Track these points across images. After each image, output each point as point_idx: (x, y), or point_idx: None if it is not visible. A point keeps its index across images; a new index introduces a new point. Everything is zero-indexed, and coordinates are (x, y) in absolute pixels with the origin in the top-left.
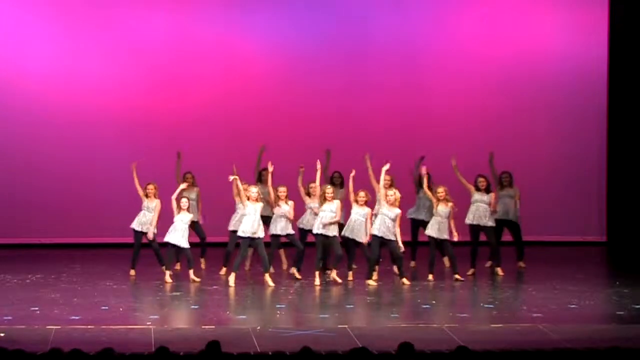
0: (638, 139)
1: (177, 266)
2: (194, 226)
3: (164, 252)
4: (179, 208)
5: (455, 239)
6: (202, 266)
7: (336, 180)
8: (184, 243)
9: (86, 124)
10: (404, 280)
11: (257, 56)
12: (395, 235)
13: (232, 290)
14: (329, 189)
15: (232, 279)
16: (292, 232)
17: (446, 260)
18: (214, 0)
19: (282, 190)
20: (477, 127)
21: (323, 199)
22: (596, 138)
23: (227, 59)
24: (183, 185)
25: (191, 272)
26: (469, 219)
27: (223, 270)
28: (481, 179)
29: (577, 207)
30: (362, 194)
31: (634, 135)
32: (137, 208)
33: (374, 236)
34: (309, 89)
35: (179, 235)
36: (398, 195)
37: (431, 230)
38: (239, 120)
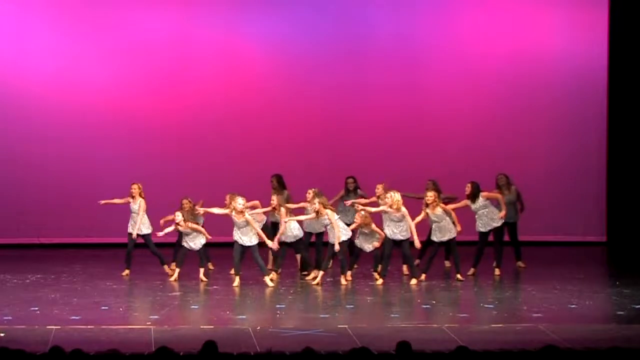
0: (638, 138)
1: (210, 265)
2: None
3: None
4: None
5: (458, 229)
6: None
7: (350, 186)
8: (195, 246)
9: (86, 124)
10: (413, 280)
11: (257, 56)
12: (409, 231)
13: (231, 290)
14: (316, 201)
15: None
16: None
17: (446, 261)
18: (215, 1)
19: (274, 199)
20: (476, 126)
21: (317, 214)
22: (596, 138)
23: (227, 59)
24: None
25: (201, 270)
26: (480, 227)
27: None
28: (467, 185)
29: (577, 207)
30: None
31: (634, 135)
32: None
33: (386, 237)
34: (309, 89)
35: (188, 241)
36: (396, 197)
37: (434, 236)
38: (239, 120)
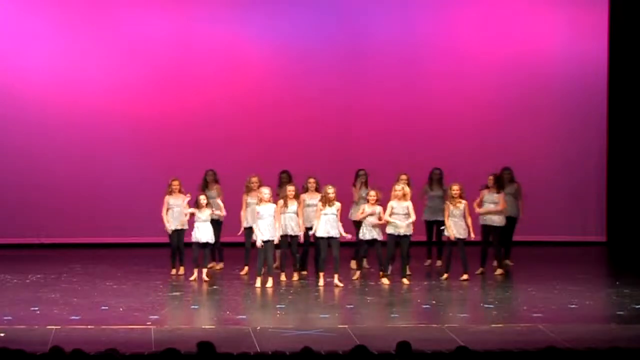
0: (638, 139)
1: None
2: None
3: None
4: (200, 206)
5: (472, 237)
6: (219, 267)
7: (362, 179)
8: (208, 239)
9: (87, 124)
10: (405, 280)
11: (259, 56)
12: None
13: (232, 290)
14: (330, 189)
15: (258, 281)
16: (297, 233)
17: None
18: (216, 1)
19: (291, 189)
20: (477, 127)
21: (326, 200)
22: (596, 138)
23: (227, 59)
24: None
25: (204, 270)
26: (482, 220)
27: (244, 270)
28: (490, 178)
29: (577, 207)
30: (372, 193)
31: (634, 135)
32: (137, 208)
33: (389, 235)
34: (310, 89)
35: (202, 232)
36: (407, 189)
37: (447, 231)
38: (239, 121)
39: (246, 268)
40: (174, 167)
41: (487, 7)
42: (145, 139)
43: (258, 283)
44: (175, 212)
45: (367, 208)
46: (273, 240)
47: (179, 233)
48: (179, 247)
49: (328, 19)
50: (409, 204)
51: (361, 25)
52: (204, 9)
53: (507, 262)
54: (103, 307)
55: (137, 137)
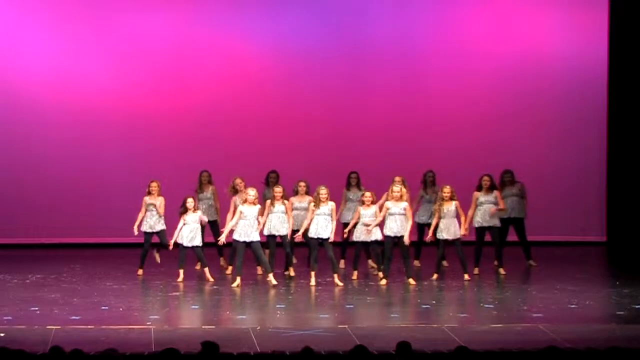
0: (638, 138)
1: (198, 266)
2: (211, 225)
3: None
4: (187, 209)
5: (465, 233)
6: (223, 263)
7: (352, 181)
8: (187, 242)
9: (87, 124)
10: (410, 280)
11: (257, 56)
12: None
13: (232, 290)
14: (323, 190)
15: (237, 282)
16: (285, 233)
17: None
18: (214, 1)
19: (278, 191)
20: (477, 126)
21: (318, 200)
22: (596, 138)
23: (226, 60)
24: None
25: (206, 270)
26: (477, 222)
27: (229, 270)
28: (485, 178)
29: (577, 207)
30: (367, 194)
31: (634, 135)
32: (138, 208)
33: (386, 236)
34: (309, 89)
35: (183, 235)
36: (404, 190)
37: (443, 233)
38: (239, 121)
39: (230, 267)
40: (174, 167)
41: (486, 7)
42: (145, 139)
43: (235, 283)
44: (149, 214)
45: (362, 210)
46: (246, 242)
47: (151, 235)
48: (159, 247)
49: (327, 19)
50: (405, 204)
51: (360, 25)
52: (203, 9)
53: (531, 262)
54: (103, 307)
55: (137, 137)
